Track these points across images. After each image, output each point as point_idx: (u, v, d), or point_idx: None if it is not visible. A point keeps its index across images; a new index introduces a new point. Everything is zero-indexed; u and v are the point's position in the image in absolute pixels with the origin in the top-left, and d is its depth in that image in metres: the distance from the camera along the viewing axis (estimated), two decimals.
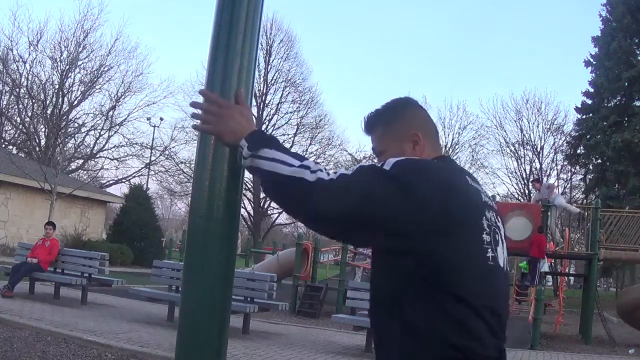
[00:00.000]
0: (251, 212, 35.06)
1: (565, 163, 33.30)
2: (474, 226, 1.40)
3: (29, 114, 31.78)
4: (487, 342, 1.37)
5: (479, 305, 1.36)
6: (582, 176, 32.73)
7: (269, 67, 35.05)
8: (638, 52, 28.04)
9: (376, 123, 1.66)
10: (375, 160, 1.61)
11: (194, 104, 1.64)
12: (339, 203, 1.33)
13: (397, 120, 1.64)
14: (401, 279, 1.37)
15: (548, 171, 34.76)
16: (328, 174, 1.38)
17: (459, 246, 1.36)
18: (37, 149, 30.51)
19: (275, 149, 1.44)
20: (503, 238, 1.52)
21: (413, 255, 1.34)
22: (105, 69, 31.73)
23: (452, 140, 35.60)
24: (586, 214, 13.91)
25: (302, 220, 1.46)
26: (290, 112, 35.82)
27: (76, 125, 30.65)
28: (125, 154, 33.72)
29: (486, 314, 1.37)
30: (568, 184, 34.64)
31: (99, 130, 32.46)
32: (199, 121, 1.59)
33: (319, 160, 34.60)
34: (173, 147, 34.58)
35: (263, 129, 34.61)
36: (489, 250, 1.42)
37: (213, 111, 1.56)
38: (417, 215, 1.32)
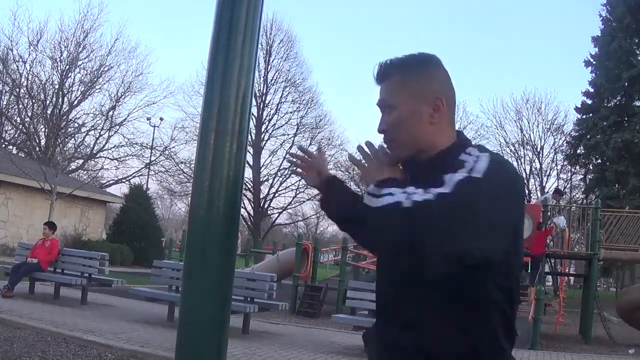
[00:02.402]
0: (251, 212, 35.05)
1: (565, 163, 33.31)
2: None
3: (29, 114, 31.79)
4: (511, 344, 1.40)
5: (515, 307, 1.41)
6: (582, 176, 32.74)
7: (269, 67, 35.09)
8: (638, 52, 28.02)
9: (394, 71, 1.44)
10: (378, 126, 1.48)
11: (305, 154, 1.84)
12: (443, 229, 1.20)
13: (421, 76, 1.43)
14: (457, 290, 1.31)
15: (548, 171, 34.83)
16: (418, 194, 1.26)
17: (517, 249, 1.37)
18: (37, 149, 30.50)
19: (346, 194, 1.65)
20: None
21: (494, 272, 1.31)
22: (105, 69, 31.78)
23: None
24: (586, 214, 13.89)
25: (397, 250, 1.31)
26: (290, 112, 35.88)
27: (76, 125, 30.67)
28: (125, 154, 33.75)
29: (515, 312, 1.41)
30: (568, 184, 34.65)
31: (99, 130, 32.49)
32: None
33: None
34: (173, 147, 34.62)
35: (262, 128, 34.78)
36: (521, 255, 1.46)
37: (311, 164, 1.77)
38: (514, 230, 1.32)
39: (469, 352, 1.31)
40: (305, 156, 1.80)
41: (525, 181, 34.60)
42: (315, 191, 1.84)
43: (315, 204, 39.31)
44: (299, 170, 1.81)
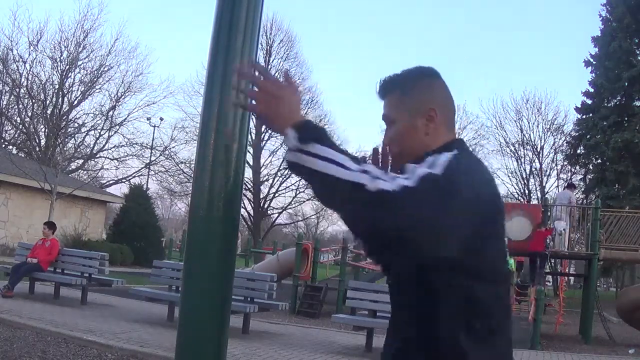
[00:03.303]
0: (251, 212, 35.05)
1: (565, 163, 33.29)
2: (503, 229, 1.41)
3: (29, 114, 31.79)
4: (506, 343, 1.39)
5: (502, 307, 1.38)
6: (582, 176, 32.70)
7: (269, 67, 34.99)
8: (638, 52, 28.03)
9: (392, 89, 1.53)
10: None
11: (241, 75, 1.50)
12: (405, 216, 1.18)
13: (414, 90, 1.50)
14: (437, 288, 1.32)
15: (548, 171, 34.80)
16: (386, 180, 1.20)
17: (496, 250, 1.37)
18: (37, 149, 30.52)
19: (329, 145, 1.25)
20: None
21: (463, 269, 1.30)
22: (105, 69, 31.77)
23: None
24: (586, 214, 13.89)
25: (358, 232, 1.25)
26: None
27: (76, 125, 30.66)
28: (125, 154, 33.73)
29: (506, 313, 1.40)
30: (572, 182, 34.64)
31: (99, 130, 32.47)
32: (244, 96, 1.43)
33: None
34: (173, 147, 34.60)
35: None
36: (507, 254, 1.43)
37: (268, 89, 1.35)
38: (476, 226, 1.27)
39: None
40: (260, 76, 1.38)
41: (525, 181, 34.64)
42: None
43: (316, 204, 39.37)
44: (258, 106, 1.35)
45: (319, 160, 1.22)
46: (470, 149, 1.54)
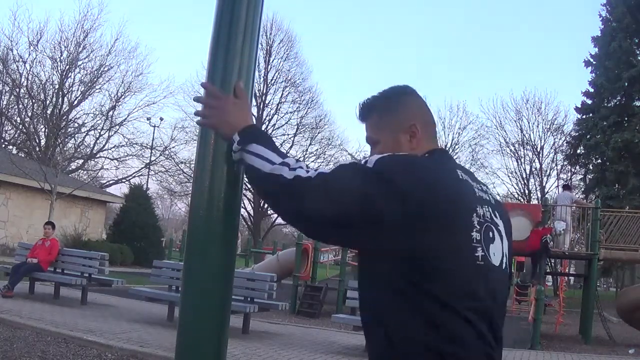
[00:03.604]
0: (251, 212, 35.06)
1: (565, 163, 33.32)
2: (460, 223, 1.32)
3: (29, 114, 31.81)
4: (473, 347, 1.29)
5: (462, 307, 1.28)
6: (582, 176, 32.73)
7: (269, 67, 35.07)
8: (638, 52, 28.04)
9: (371, 111, 1.58)
10: (368, 152, 1.59)
11: (197, 99, 1.63)
12: (317, 202, 1.30)
13: (394, 110, 1.56)
14: (382, 281, 1.32)
15: (548, 171, 34.82)
16: (307, 171, 1.35)
17: (441, 245, 1.29)
18: (37, 149, 30.53)
19: (263, 145, 1.44)
20: (503, 234, 1.44)
21: (394, 256, 1.29)
22: (105, 69, 31.80)
23: (452, 140, 35.63)
24: (586, 214, 13.89)
25: (283, 219, 1.45)
26: (290, 112, 35.86)
27: (76, 125, 30.68)
28: (125, 154, 33.77)
29: (472, 316, 1.29)
30: (568, 184, 34.64)
31: (99, 130, 32.51)
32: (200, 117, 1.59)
33: (319, 160, 34.65)
34: (173, 147, 34.64)
35: (262, 128, 34.79)
36: (479, 249, 1.33)
37: (212, 104, 1.56)
38: (399, 212, 1.26)
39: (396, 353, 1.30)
40: (212, 98, 1.56)
41: (525, 181, 34.64)
42: None
43: None
44: (206, 120, 1.55)
45: (252, 156, 1.43)
46: (448, 157, 1.51)
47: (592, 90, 29.19)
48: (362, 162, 1.35)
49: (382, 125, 1.55)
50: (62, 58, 30.72)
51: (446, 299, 1.27)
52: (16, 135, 33.49)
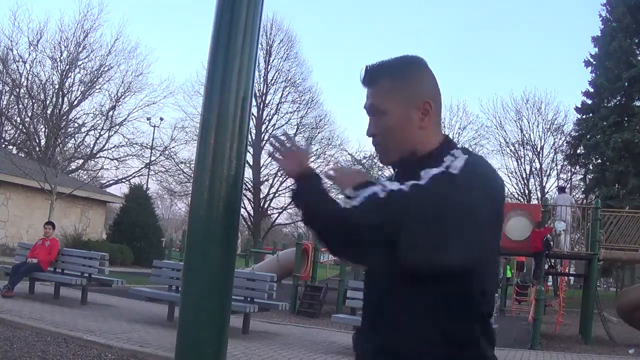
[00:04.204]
0: (251, 212, 35.04)
1: (565, 163, 33.30)
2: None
3: (29, 114, 31.79)
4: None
5: (488, 313, 1.37)
6: (582, 176, 32.72)
7: (269, 67, 35.07)
8: (638, 52, 28.02)
9: (382, 76, 1.42)
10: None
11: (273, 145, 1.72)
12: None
13: (409, 80, 1.42)
14: (447, 286, 1.32)
15: (548, 171, 34.81)
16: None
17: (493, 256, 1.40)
18: (37, 149, 30.51)
19: (317, 185, 1.51)
20: None
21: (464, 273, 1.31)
22: (105, 69, 31.78)
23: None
24: (586, 214, 13.89)
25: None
26: (290, 112, 35.87)
27: (76, 125, 30.67)
28: (125, 154, 33.74)
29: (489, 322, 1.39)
30: (568, 184, 34.63)
31: (99, 130, 32.48)
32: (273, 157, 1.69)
33: (319, 160, 34.64)
34: (173, 147, 34.60)
35: (262, 128, 34.81)
36: (498, 255, 1.44)
37: (285, 154, 1.60)
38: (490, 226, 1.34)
39: (451, 356, 1.31)
40: (289, 144, 1.62)
41: (525, 181, 34.63)
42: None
43: None
44: (279, 156, 1.62)
45: (309, 194, 1.46)
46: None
47: (592, 90, 29.17)
48: (445, 167, 1.32)
49: (393, 95, 1.41)
50: (62, 58, 30.74)
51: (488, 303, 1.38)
52: (16, 135, 33.48)
